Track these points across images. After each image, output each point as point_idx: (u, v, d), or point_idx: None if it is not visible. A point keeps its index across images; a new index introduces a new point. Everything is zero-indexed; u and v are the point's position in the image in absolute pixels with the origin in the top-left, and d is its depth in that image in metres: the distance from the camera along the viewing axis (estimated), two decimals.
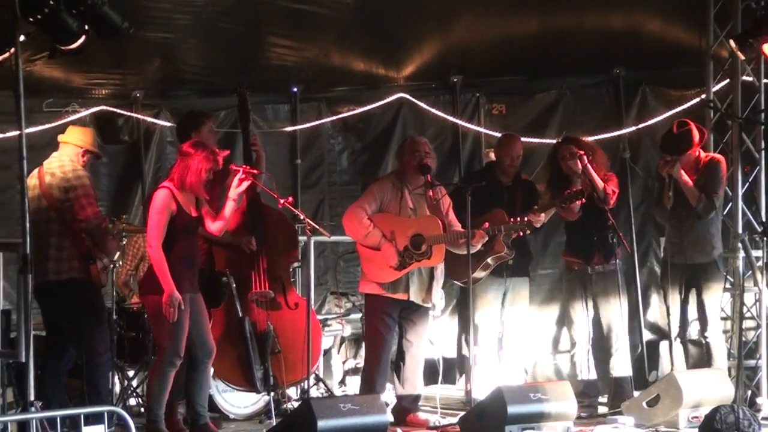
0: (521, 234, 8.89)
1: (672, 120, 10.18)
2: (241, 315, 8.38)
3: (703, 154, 9.23)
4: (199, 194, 7.80)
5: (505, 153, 9.36)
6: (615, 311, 9.15)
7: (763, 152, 9.71)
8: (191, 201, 7.82)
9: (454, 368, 10.68)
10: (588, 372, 9.24)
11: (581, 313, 9.24)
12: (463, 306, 9.89)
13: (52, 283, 7.88)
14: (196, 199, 7.85)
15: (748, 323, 9.68)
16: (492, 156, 10.04)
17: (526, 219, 8.70)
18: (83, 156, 8.17)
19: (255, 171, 7.98)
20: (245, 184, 7.87)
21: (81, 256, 7.96)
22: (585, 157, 8.95)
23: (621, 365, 9.19)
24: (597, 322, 9.27)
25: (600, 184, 8.95)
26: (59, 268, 7.90)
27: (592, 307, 9.23)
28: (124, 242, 9.63)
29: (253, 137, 8.91)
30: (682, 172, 9.02)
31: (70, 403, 8.14)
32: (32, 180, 7.99)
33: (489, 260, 9.11)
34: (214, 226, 7.89)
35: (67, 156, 8.10)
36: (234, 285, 8.35)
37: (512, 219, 8.76)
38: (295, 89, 11.48)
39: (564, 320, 10.31)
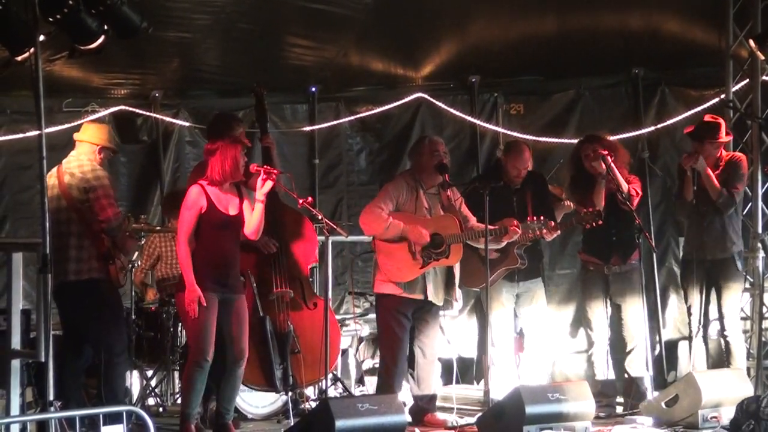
0: (538, 235, 8.91)
1: (691, 120, 10.20)
2: (262, 315, 8.39)
3: (724, 153, 9.22)
4: (239, 179, 7.80)
5: (512, 165, 9.25)
6: (632, 311, 9.14)
7: None
8: (229, 199, 7.82)
9: (472, 368, 10.67)
10: (606, 372, 9.22)
11: (598, 312, 9.22)
12: (480, 306, 9.88)
13: (71, 283, 7.89)
14: (239, 197, 7.86)
15: (767, 323, 9.65)
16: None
17: (539, 233, 8.76)
18: (100, 153, 8.17)
19: (275, 171, 7.97)
20: (269, 184, 7.84)
21: (101, 256, 7.96)
22: (608, 158, 8.93)
23: (636, 365, 9.17)
24: (614, 322, 9.25)
25: (624, 185, 8.92)
26: (79, 268, 7.91)
27: (610, 307, 9.22)
28: (143, 242, 9.68)
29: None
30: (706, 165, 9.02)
31: (89, 403, 8.17)
32: (51, 179, 8.00)
33: (500, 271, 9.10)
34: (248, 230, 7.89)
35: (85, 155, 8.11)
36: (254, 285, 8.36)
37: (529, 219, 8.79)
38: (314, 89, 11.51)
39: (582, 319, 10.30)
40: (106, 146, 8.21)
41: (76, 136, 8.26)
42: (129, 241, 8.27)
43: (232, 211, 7.80)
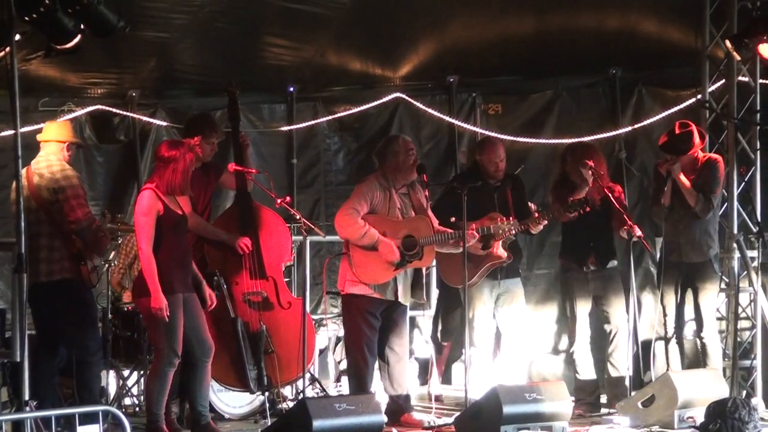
0: (515, 233, 8.93)
1: (667, 120, 10.22)
2: (233, 315, 8.37)
3: (701, 155, 9.24)
4: (186, 193, 7.81)
5: (487, 160, 9.21)
6: (613, 311, 9.18)
7: (758, 153, 9.72)
8: (172, 199, 7.81)
9: (450, 368, 10.66)
10: (588, 371, 9.24)
11: (580, 311, 9.24)
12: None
13: (43, 284, 7.84)
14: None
15: (743, 323, 9.69)
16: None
17: (524, 227, 8.78)
18: (68, 150, 8.12)
19: (253, 170, 7.95)
20: None
21: (72, 256, 7.93)
22: (596, 169, 8.99)
23: (619, 365, 9.20)
24: (596, 321, 9.27)
25: (633, 227, 8.98)
26: (50, 269, 7.87)
27: (593, 307, 9.25)
28: (119, 241, 9.64)
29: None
30: (681, 173, 9.04)
31: (65, 403, 8.14)
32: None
33: (487, 266, 9.09)
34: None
35: (54, 155, 8.05)
36: (225, 285, 8.33)
37: (509, 218, 8.80)
38: (292, 89, 11.49)
39: (560, 319, 10.31)
40: (72, 141, 8.19)
41: (39, 137, 8.18)
42: (103, 240, 8.22)
43: (179, 210, 7.82)
